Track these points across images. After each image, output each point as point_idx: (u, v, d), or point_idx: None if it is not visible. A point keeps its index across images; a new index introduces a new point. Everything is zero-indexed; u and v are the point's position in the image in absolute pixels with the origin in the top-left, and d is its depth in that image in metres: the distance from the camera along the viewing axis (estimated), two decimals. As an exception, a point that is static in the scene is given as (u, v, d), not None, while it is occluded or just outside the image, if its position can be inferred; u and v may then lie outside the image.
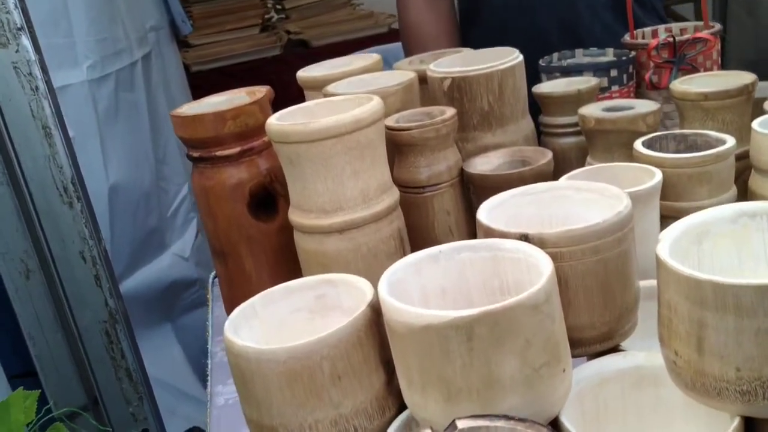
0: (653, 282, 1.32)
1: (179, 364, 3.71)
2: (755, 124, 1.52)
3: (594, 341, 1.19)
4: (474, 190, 1.60)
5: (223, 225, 1.67)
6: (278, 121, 1.42)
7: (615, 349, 1.21)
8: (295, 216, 1.46)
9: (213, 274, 2.21)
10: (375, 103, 1.40)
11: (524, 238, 1.14)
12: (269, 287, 1.23)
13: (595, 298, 1.16)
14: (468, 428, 0.86)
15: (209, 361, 1.77)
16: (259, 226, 1.67)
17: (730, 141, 1.49)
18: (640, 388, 1.16)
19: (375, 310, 1.12)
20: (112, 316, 2.24)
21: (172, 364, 3.69)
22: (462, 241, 1.17)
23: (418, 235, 1.57)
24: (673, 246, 1.06)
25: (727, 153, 1.47)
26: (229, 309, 1.79)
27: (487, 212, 1.26)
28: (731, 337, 0.96)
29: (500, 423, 0.86)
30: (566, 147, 1.80)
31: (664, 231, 1.09)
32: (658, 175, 1.40)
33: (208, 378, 1.71)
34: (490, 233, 1.18)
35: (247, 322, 1.18)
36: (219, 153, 1.62)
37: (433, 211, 1.59)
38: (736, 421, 1.00)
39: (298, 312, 1.24)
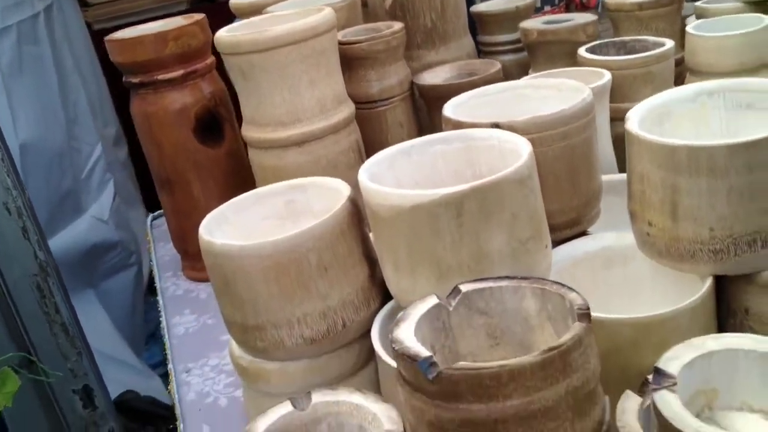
0: (609, 176, 1.38)
1: (105, 329, 3.59)
2: (690, 28, 1.59)
3: (564, 226, 1.22)
4: (425, 103, 1.60)
5: (168, 152, 1.61)
6: (229, 33, 1.38)
7: (583, 234, 1.25)
8: (250, 132, 1.42)
9: (151, 216, 2.15)
10: (328, 12, 1.38)
11: (495, 126, 1.15)
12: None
13: (564, 184, 1.19)
14: (472, 290, 0.87)
15: (160, 298, 1.72)
16: (206, 152, 1.63)
17: (669, 43, 1.55)
18: (609, 267, 1.20)
19: (354, 205, 1.11)
20: (42, 269, 2.13)
21: (98, 330, 3.57)
22: (434, 134, 1.17)
23: (373, 150, 1.56)
24: (640, 125, 1.09)
25: (668, 53, 1.53)
26: (178, 241, 1.74)
27: (452, 109, 1.27)
28: (704, 199, 1.01)
29: (504, 283, 0.87)
30: (507, 64, 1.82)
31: (629, 111, 1.13)
32: (607, 75, 1.44)
33: (162, 312, 1.66)
34: (460, 126, 1.19)
35: (219, 227, 1.15)
36: (161, 77, 1.56)
37: (386, 124, 1.59)
38: (709, 281, 1.05)
39: (268, 219, 1.21)
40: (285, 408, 0.91)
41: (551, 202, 1.19)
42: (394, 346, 0.77)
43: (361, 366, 1.15)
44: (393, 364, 1.01)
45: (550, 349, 0.71)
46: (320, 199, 1.19)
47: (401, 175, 1.14)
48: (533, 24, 1.70)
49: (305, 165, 1.39)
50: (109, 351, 3.49)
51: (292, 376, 1.10)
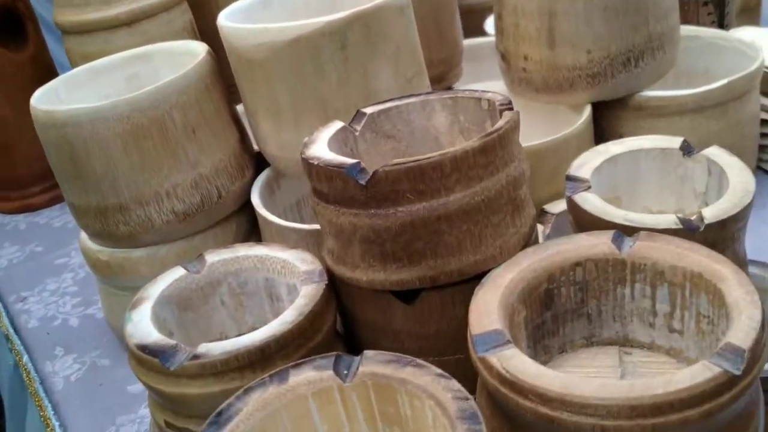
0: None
1: None
2: None
3: (433, 81, 1.17)
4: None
5: (-39, 57, 1.37)
6: None
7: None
8: (66, 15, 1.23)
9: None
10: None
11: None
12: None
13: (431, 32, 1.14)
14: (378, 112, 0.79)
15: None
16: (8, 56, 1.40)
17: None
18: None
19: (215, 62, 0.98)
20: None
21: None
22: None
23: (205, 35, 1.42)
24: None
25: None
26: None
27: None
28: (581, 20, 0.99)
29: (410, 100, 0.80)
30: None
31: (492, -54, 1.09)
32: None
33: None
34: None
35: (51, 107, 0.97)
36: (-60, -35, 1.31)
37: (217, 7, 1.44)
38: (588, 108, 1.05)
39: (108, 98, 1.05)
40: (177, 272, 0.79)
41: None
42: (311, 162, 0.68)
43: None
44: (284, 223, 0.91)
45: (489, 134, 0.65)
46: (170, 68, 1.04)
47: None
48: None
49: (137, 48, 1.22)
50: None
51: (165, 261, 0.96)
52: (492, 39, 1.35)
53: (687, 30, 1.15)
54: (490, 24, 1.45)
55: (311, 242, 0.89)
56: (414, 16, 0.96)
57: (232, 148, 0.98)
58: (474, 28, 1.45)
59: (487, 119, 0.76)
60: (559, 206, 0.99)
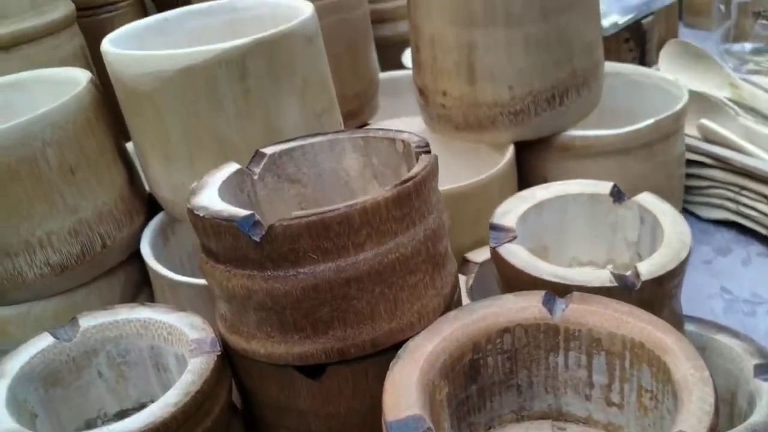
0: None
1: None
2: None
3: (346, 117, 1.08)
4: (160, 7, 1.37)
5: None
6: None
7: (365, 125, 1.13)
8: (-66, 37, 1.09)
9: None
10: None
11: (263, -5, 0.98)
12: None
13: (345, 65, 1.06)
14: (280, 152, 0.70)
15: None
16: None
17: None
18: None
19: (99, 91, 0.87)
20: None
21: None
22: (192, 5, 0.97)
23: (101, 66, 1.30)
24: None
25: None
26: None
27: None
28: (502, 53, 0.93)
29: (317, 139, 0.71)
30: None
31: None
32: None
33: None
34: None
35: None
36: None
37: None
38: (510, 148, 0.98)
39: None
40: (43, 341, 0.67)
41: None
42: (196, 213, 0.58)
43: (130, 299, 0.91)
44: (176, 278, 0.80)
45: (404, 181, 0.57)
46: (49, 98, 0.92)
47: (153, 56, 0.92)
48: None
49: (18, 76, 1.09)
50: None
51: (39, 321, 0.84)
52: (409, 72, 1.28)
53: (609, 66, 1.11)
54: (407, 57, 1.39)
55: (206, 299, 0.79)
56: (325, 47, 0.88)
57: (119, 189, 0.87)
58: (391, 61, 1.38)
59: (402, 162, 0.67)
60: (482, 254, 0.91)
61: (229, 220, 0.56)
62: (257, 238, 0.54)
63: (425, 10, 0.95)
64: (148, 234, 0.89)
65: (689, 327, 0.77)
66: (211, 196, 0.61)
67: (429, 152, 0.63)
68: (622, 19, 1.27)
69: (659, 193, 0.82)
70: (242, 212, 0.56)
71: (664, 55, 1.29)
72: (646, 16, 1.31)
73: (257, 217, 0.56)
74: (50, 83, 0.93)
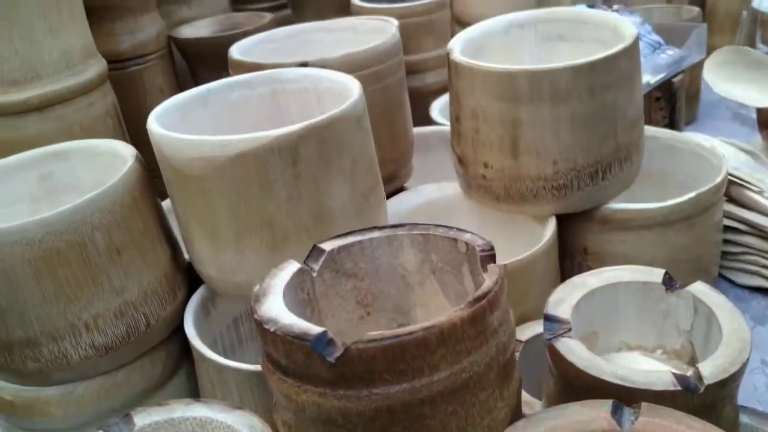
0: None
1: None
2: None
3: (384, 181, 1.08)
4: (189, 62, 1.37)
5: None
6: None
7: (402, 190, 1.12)
8: (-31, 98, 1.09)
9: None
10: (63, -58, 1.09)
11: (304, 65, 0.98)
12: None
13: (383, 133, 1.05)
14: (338, 248, 0.69)
15: None
16: None
17: (443, -8, 1.49)
18: (435, 220, 1.09)
19: (144, 169, 0.87)
20: None
21: None
22: (233, 77, 0.96)
23: (131, 119, 1.30)
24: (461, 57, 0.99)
25: (444, 1, 1.46)
26: None
27: (240, 52, 1.07)
28: (547, 129, 0.92)
29: (375, 234, 0.70)
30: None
31: (450, 43, 1.02)
32: (394, 21, 1.32)
33: None
34: (259, 68, 0.99)
35: (-53, 218, 0.83)
36: None
37: (144, 89, 1.32)
38: (552, 222, 0.98)
39: (19, 203, 0.92)
40: (97, 441, 0.66)
41: (370, 153, 1.05)
42: (267, 327, 0.57)
43: (169, 375, 0.90)
44: (223, 362, 0.79)
45: (478, 299, 0.56)
46: (90, 170, 0.92)
47: (197, 127, 0.91)
48: (299, -26, 1.54)
49: (52, 135, 1.08)
50: None
51: (82, 401, 0.83)
52: (440, 128, 1.28)
53: (645, 130, 1.11)
54: (436, 109, 1.38)
55: (254, 384, 0.78)
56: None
57: (163, 267, 0.86)
58: (420, 113, 1.37)
59: (464, 262, 0.67)
60: (527, 331, 0.91)
61: (302, 338, 0.55)
62: (331, 359, 0.54)
63: (468, 83, 0.95)
64: (191, 312, 0.88)
65: (743, 419, 0.76)
66: (278, 305, 0.60)
67: (494, 256, 0.63)
68: (653, 79, 1.27)
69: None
70: (314, 329, 0.56)
71: (712, 65, 1.26)
72: (676, 75, 1.31)
73: (330, 335, 0.55)
74: (91, 154, 0.92)
